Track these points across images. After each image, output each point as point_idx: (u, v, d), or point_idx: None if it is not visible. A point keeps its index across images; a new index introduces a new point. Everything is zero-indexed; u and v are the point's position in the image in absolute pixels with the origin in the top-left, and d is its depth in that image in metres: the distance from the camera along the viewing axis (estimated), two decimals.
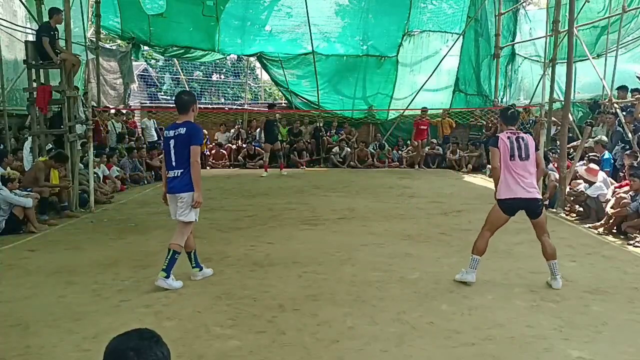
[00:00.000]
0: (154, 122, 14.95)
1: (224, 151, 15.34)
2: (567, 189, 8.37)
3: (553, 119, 10.66)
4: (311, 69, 16.21)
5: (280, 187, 11.22)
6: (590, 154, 8.63)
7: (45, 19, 8.65)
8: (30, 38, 10.45)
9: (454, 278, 4.88)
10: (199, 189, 4.61)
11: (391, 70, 16.40)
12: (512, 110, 5.03)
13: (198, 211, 4.73)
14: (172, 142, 4.62)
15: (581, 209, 7.93)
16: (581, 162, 8.71)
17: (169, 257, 4.63)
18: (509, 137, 4.68)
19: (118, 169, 11.17)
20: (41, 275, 5.14)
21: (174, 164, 4.62)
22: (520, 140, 4.67)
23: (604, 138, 9.16)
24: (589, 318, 4.05)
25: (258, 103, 18.82)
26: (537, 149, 4.81)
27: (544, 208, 4.77)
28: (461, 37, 16.01)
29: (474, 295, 4.53)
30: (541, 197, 4.81)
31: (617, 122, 9.45)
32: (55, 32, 8.52)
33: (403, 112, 16.19)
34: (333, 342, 3.61)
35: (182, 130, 4.59)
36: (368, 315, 4.08)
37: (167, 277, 4.63)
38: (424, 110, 15.25)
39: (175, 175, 4.62)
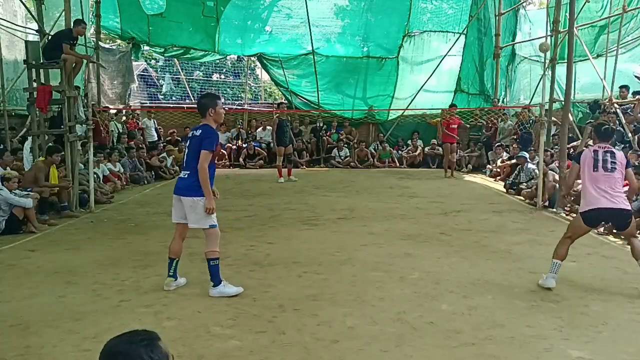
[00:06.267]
0: (154, 122, 14.93)
1: (224, 151, 15.33)
2: None
3: (553, 119, 10.66)
4: (311, 70, 16.19)
5: (281, 187, 11.22)
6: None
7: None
8: (31, 38, 10.46)
9: (538, 282, 4.75)
10: (209, 195, 4.39)
11: (392, 71, 16.34)
12: (607, 126, 4.83)
13: (214, 215, 4.51)
14: (188, 142, 4.68)
15: None
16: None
17: (208, 268, 4.57)
18: (594, 151, 4.61)
19: (109, 165, 10.97)
20: (41, 275, 5.14)
21: (184, 164, 4.66)
22: (608, 154, 4.58)
23: None
24: (589, 318, 4.05)
25: (258, 103, 18.82)
26: (627, 166, 4.64)
27: (632, 219, 4.51)
28: (463, 36, 15.98)
29: (474, 295, 4.53)
30: (629, 208, 4.56)
31: (617, 122, 9.45)
32: (75, 42, 8.77)
33: (403, 112, 16.19)
34: (333, 342, 3.61)
35: (197, 133, 4.57)
36: (368, 315, 4.08)
37: (216, 285, 4.53)
38: (453, 107, 13.88)
39: (183, 176, 4.60)
